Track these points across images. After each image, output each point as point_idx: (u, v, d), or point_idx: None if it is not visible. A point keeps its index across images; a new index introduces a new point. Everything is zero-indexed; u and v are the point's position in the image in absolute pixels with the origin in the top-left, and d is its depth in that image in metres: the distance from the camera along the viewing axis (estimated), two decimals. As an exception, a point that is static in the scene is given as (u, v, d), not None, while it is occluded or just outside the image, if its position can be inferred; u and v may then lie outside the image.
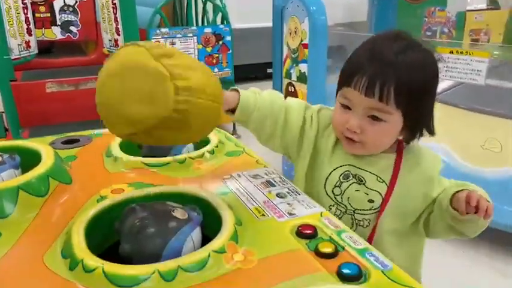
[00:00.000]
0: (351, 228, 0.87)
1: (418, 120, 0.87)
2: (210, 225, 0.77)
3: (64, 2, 3.30)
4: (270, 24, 3.64)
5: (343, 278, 0.64)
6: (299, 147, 0.98)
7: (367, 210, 0.92)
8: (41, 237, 0.76)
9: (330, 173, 0.94)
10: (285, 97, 2.57)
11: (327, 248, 0.70)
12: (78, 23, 3.56)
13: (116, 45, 2.92)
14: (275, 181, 0.96)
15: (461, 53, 1.66)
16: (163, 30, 2.94)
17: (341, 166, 0.93)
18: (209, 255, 0.67)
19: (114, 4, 2.72)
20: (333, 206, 0.94)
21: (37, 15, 3.15)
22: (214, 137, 1.16)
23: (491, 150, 2.14)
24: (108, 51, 3.16)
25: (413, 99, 0.83)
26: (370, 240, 0.91)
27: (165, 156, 1.04)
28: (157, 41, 2.94)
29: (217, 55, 3.06)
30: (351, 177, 0.92)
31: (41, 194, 0.86)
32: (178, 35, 2.95)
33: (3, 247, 0.73)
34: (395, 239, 0.93)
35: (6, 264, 0.69)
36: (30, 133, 2.59)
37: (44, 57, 3.62)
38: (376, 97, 0.81)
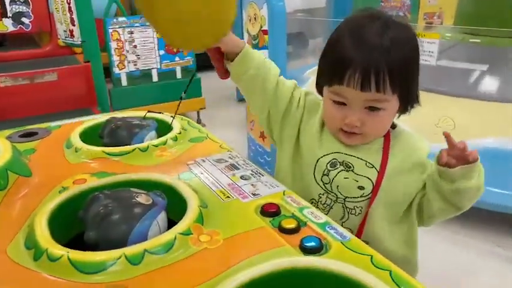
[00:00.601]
0: (342, 218, 0.90)
1: (410, 97, 0.85)
2: (176, 210, 0.78)
3: (14, -8, 3.16)
4: (229, 11, 3.63)
5: (306, 250, 0.67)
6: (282, 126, 0.96)
7: (358, 197, 0.89)
8: (3, 230, 0.74)
9: (318, 161, 0.90)
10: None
11: (290, 224, 0.73)
12: (30, 14, 3.42)
13: (72, 36, 2.83)
14: (239, 164, 0.97)
15: (414, 34, 1.73)
16: (121, 19, 2.88)
17: (328, 154, 0.90)
18: (175, 238, 0.68)
19: (68, -7, 2.63)
20: (323, 194, 0.91)
21: (-15, 6, 3.01)
22: (177, 124, 1.16)
23: (445, 128, 2.24)
24: (64, 42, 3.06)
25: (406, 79, 0.82)
26: (361, 228, 0.88)
27: (127, 145, 1.04)
28: (115, 31, 2.87)
29: (177, 44, 3.03)
30: (338, 164, 0.89)
31: (0, 187, 0.84)
32: (137, 24, 2.89)
33: (-37, 242, 0.71)
34: (388, 226, 0.90)
35: (-33, 259, 0.68)
36: (-16, 130, 2.49)
37: (-5, 50, 3.47)
38: (373, 90, 0.79)
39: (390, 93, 0.81)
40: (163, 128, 1.15)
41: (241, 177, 0.91)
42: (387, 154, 0.88)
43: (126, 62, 2.94)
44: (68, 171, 0.94)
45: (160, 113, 1.24)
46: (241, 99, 2.96)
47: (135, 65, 2.97)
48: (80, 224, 0.74)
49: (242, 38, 2.46)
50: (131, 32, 2.90)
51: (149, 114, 1.22)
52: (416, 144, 0.91)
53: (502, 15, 2.77)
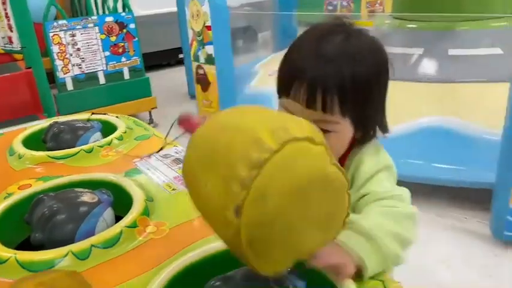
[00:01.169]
0: None
1: (369, 122, 0.74)
2: (123, 207, 0.80)
3: None
4: (174, 9, 3.62)
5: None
6: None
7: None
8: None
9: None
10: (196, 81, 2.57)
11: (233, 209, 0.77)
12: (-37, 21, 3.26)
13: (11, 42, 2.74)
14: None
15: (350, 23, 1.81)
16: (61, 22, 2.80)
17: None
18: (121, 231, 0.71)
19: (2, -2, 2.54)
20: None
21: None
22: (121, 123, 1.18)
23: (387, 110, 2.36)
24: (3, 50, 2.95)
25: (361, 101, 0.70)
26: None
27: (72, 148, 1.05)
28: (56, 35, 2.80)
29: (122, 44, 2.99)
30: None
31: None
32: (78, 26, 2.83)
33: None
34: None
35: None
36: None
37: None
38: (319, 108, 0.68)
39: (339, 115, 0.69)
40: (108, 129, 1.16)
41: (187, 170, 0.94)
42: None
43: (70, 66, 2.88)
44: (13, 178, 0.94)
45: (104, 114, 1.24)
46: (193, 96, 2.97)
47: (80, 68, 2.91)
48: (28, 228, 0.75)
49: (187, 36, 2.48)
50: (73, 35, 2.83)
51: (94, 116, 1.22)
52: (365, 159, 0.75)
53: (436, 1, 2.93)
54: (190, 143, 0.54)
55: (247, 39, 5.31)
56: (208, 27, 2.16)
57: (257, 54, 4.72)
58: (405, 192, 0.72)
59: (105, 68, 3.00)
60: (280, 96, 0.75)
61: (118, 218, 0.78)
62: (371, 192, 0.71)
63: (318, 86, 0.67)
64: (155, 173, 0.94)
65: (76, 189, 0.79)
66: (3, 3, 2.64)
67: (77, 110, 2.67)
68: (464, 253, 1.69)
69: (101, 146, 1.06)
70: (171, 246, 0.69)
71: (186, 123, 0.81)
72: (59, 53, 2.83)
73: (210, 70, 2.27)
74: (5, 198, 0.85)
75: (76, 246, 0.67)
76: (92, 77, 2.97)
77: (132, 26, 3.02)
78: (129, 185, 0.84)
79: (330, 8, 5.44)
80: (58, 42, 2.82)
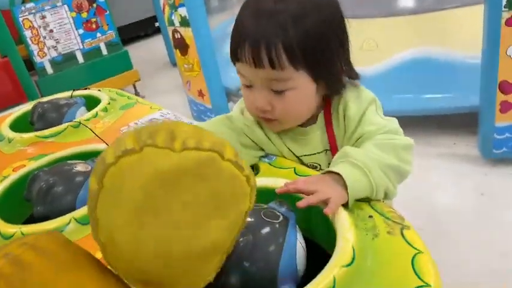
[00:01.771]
0: None
1: (331, 71, 0.70)
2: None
3: None
4: (141, -24, 3.51)
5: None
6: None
7: None
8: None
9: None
10: (174, 46, 2.54)
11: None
12: None
13: (-20, 33, 2.67)
14: (170, 120, 1.03)
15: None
16: (29, 5, 2.72)
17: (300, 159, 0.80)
18: (118, 193, 0.74)
19: (-37, -12, 2.46)
20: None
21: None
22: (104, 96, 1.19)
23: (369, 49, 2.36)
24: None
25: (314, 51, 0.67)
26: None
27: (59, 125, 1.06)
28: (26, 19, 2.73)
29: (94, 19, 2.92)
30: (311, 168, 0.79)
31: None
32: (47, 7, 2.75)
33: None
34: None
35: None
36: None
37: None
38: (267, 66, 0.66)
39: (292, 70, 0.66)
40: (92, 103, 1.17)
41: (174, 130, 0.97)
42: (332, 129, 0.77)
43: (46, 49, 2.82)
44: (6, 162, 0.96)
45: (86, 88, 1.25)
46: (175, 64, 2.94)
47: (56, 50, 2.85)
48: (29, 206, 0.78)
49: (159, 2, 2.42)
50: (43, 17, 2.76)
51: (76, 92, 1.23)
52: (349, 103, 0.74)
53: None
54: None
55: (221, -2, 5.19)
56: (179, -11, 2.12)
57: (232, 12, 4.63)
58: (395, 122, 0.74)
59: (81, 47, 2.95)
60: (234, 63, 0.72)
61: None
62: (365, 132, 0.72)
63: (260, 42, 0.65)
64: (144, 137, 0.96)
65: (68, 161, 0.81)
66: (-35, -7, 2.56)
67: (60, 92, 2.65)
68: (456, 176, 1.74)
69: (87, 120, 1.07)
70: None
71: None
72: (32, 37, 2.78)
73: (187, 33, 2.24)
74: (1, 181, 0.87)
75: (78, 213, 0.70)
76: (70, 57, 2.93)
77: (101, -1, 2.95)
78: (120, 151, 0.87)
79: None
80: (29, 27, 2.76)
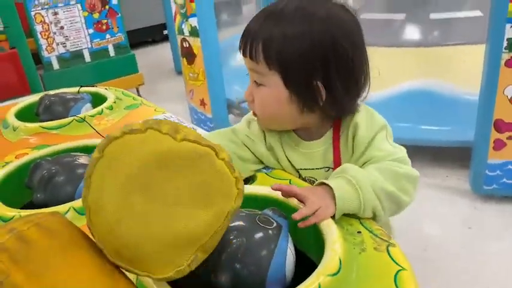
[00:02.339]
0: None
1: (307, 86, 0.71)
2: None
3: None
4: (156, -17, 3.58)
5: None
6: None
7: None
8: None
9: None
10: (181, 54, 2.57)
11: (221, 165, 0.82)
12: None
13: (-8, 23, 2.71)
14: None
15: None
16: (42, 0, 2.77)
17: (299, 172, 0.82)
18: (118, 188, 0.76)
19: (-20, -23, 2.51)
20: None
21: None
22: (111, 94, 1.21)
23: (372, 77, 2.41)
24: (-15, 32, 2.92)
25: (289, 58, 0.69)
26: None
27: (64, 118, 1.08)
28: (38, 14, 2.77)
29: (106, 21, 2.97)
30: (308, 182, 0.81)
31: None
32: (60, 4, 2.80)
33: None
34: None
35: None
36: None
37: None
38: (248, 55, 0.72)
39: (265, 66, 0.70)
40: (98, 100, 1.20)
41: (176, 134, 0.99)
42: (338, 149, 0.77)
43: (54, 45, 2.86)
44: (9, 149, 0.97)
45: (94, 86, 1.27)
46: (180, 72, 2.97)
47: (65, 46, 2.89)
48: (29, 193, 0.79)
49: (171, 11, 2.47)
50: (55, 13, 2.81)
51: (83, 89, 1.26)
52: (359, 126, 0.74)
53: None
54: None
55: (231, 12, 5.27)
56: None
57: (242, 27, 4.70)
58: (404, 151, 0.74)
59: (89, 46, 2.99)
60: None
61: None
62: (372, 157, 0.72)
63: (249, 36, 0.71)
64: (146, 138, 0.99)
65: (71, 153, 0.83)
66: (-18, -17, 2.60)
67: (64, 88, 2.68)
68: (446, 208, 1.77)
69: (92, 116, 1.09)
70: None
71: None
72: (42, 32, 2.81)
73: (195, 42, 2.28)
74: (3, 166, 0.89)
75: (77, 203, 0.72)
76: (77, 55, 2.96)
77: (114, 1, 3.00)
78: (122, 148, 0.89)
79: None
80: (41, 21, 2.80)
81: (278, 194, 0.68)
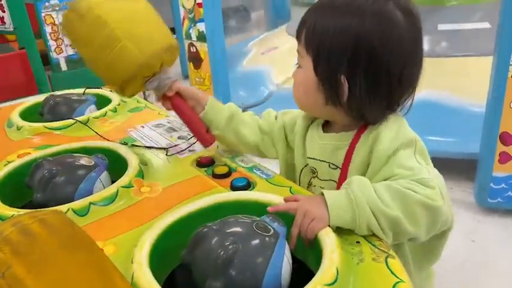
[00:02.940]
0: None
1: (330, 78, 0.69)
2: (119, 171, 0.85)
3: None
4: (165, -12, 3.60)
5: (235, 189, 0.76)
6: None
7: None
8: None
9: (300, 172, 0.83)
10: (188, 59, 2.58)
11: (222, 171, 0.82)
12: (-46, 3, 3.25)
13: (3, 23, 2.74)
14: (176, 127, 1.05)
15: None
16: (53, 2, 2.80)
17: (305, 165, 0.82)
18: (117, 191, 0.76)
19: (-7, -22, 2.54)
20: None
21: None
22: (115, 97, 1.22)
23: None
24: (-5, 30, 2.95)
25: (322, 46, 0.69)
26: None
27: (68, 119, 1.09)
28: (48, 15, 2.80)
29: (115, 24, 3.00)
30: (310, 172, 0.81)
31: None
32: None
33: None
34: None
35: None
36: None
37: None
38: (296, 36, 0.74)
39: (304, 48, 0.72)
40: (102, 103, 1.20)
41: (179, 138, 0.99)
42: (352, 151, 0.73)
43: (63, 46, 2.89)
44: (12, 148, 0.98)
45: (99, 88, 1.28)
46: (187, 76, 2.99)
47: (73, 48, 2.92)
48: (29, 193, 0.79)
49: (179, 15, 2.48)
50: (65, 15, 2.84)
51: (89, 90, 1.26)
52: (385, 139, 0.69)
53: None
54: None
55: (240, 19, 5.30)
56: (200, 4, 2.18)
57: (250, 34, 4.72)
58: (438, 178, 0.66)
59: (98, 48, 3.01)
60: None
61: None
62: (393, 175, 0.64)
63: (302, 20, 0.73)
64: (148, 140, 0.99)
65: (73, 154, 0.84)
66: (-6, -17, 2.63)
67: (70, 89, 2.69)
68: (450, 220, 1.76)
69: (96, 117, 1.10)
70: (163, 203, 0.74)
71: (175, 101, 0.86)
72: (51, 33, 2.84)
73: (202, 47, 2.29)
74: (5, 165, 0.89)
75: (75, 204, 0.72)
76: (85, 57, 2.98)
77: (124, 5, 3.02)
78: (124, 151, 0.89)
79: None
80: (51, 23, 2.82)
81: (277, 202, 0.67)
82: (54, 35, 2.86)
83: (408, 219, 0.60)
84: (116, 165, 0.86)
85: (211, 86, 2.36)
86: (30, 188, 0.79)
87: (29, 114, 1.14)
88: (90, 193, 0.78)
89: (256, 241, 0.55)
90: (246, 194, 0.72)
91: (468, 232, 1.67)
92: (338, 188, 0.72)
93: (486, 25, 2.61)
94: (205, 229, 0.57)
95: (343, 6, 0.68)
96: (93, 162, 0.81)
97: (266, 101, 2.60)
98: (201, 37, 2.26)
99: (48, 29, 2.82)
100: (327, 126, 0.79)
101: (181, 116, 0.87)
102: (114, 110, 1.14)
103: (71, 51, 2.93)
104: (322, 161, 0.77)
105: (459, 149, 2.02)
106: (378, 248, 0.60)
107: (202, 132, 0.86)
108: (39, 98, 1.22)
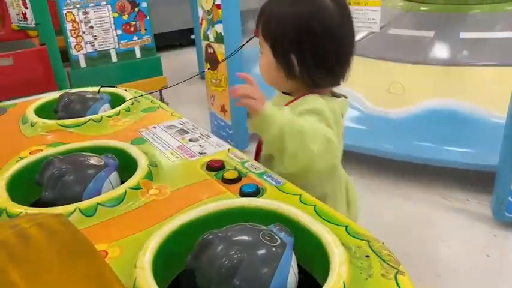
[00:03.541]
0: None
1: (285, 58, 0.88)
2: (129, 172, 0.84)
3: (-40, -25, 3.06)
4: (186, -12, 3.62)
5: (244, 195, 0.75)
6: None
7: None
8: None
9: None
10: (205, 60, 2.58)
11: (232, 175, 0.81)
12: (-21, -2, 3.32)
13: (25, 18, 2.79)
14: (188, 129, 1.04)
15: (358, 3, 1.81)
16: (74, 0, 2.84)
17: None
18: (125, 192, 0.75)
19: (17, -25, 2.58)
20: None
21: None
22: (130, 96, 1.22)
23: (396, 93, 2.37)
24: (17, 26, 3.01)
25: (274, 35, 0.89)
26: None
27: (82, 117, 1.09)
28: (69, 12, 2.84)
29: (134, 23, 3.02)
30: None
31: (-42, 161, 0.89)
32: (91, 4, 2.86)
33: None
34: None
35: None
36: None
37: None
38: (255, 27, 0.93)
39: (263, 39, 0.91)
40: (117, 101, 1.20)
41: (190, 140, 0.98)
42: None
43: (83, 43, 2.92)
44: (25, 144, 0.98)
45: (114, 86, 1.28)
46: (204, 77, 2.99)
47: (93, 45, 2.95)
48: (39, 190, 0.80)
49: (197, 13, 2.49)
50: (86, 13, 2.87)
51: (103, 89, 1.26)
52: (301, 103, 0.89)
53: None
54: None
55: (259, 21, 5.30)
56: (218, 6, 2.18)
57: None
58: (328, 132, 0.83)
59: (117, 46, 3.04)
60: None
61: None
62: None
63: (258, 18, 0.92)
64: (159, 142, 0.98)
65: (84, 153, 0.83)
66: (18, -20, 2.68)
67: (89, 86, 2.72)
68: (465, 233, 1.71)
69: (109, 116, 1.10)
70: (172, 207, 0.73)
71: None
72: (72, 30, 2.88)
73: (219, 49, 2.29)
74: (17, 161, 0.90)
75: (83, 204, 0.71)
76: (104, 54, 3.02)
77: (144, 4, 3.05)
78: (134, 151, 0.89)
79: (344, -10, 5.37)
80: (71, 20, 2.86)
81: (286, 210, 0.66)
82: (75, 32, 2.90)
83: (308, 137, 0.78)
84: (125, 165, 0.85)
85: (227, 88, 2.36)
86: (40, 185, 0.79)
87: (44, 111, 1.15)
88: (99, 193, 0.77)
89: (262, 251, 0.54)
90: (254, 201, 0.71)
91: (483, 246, 1.63)
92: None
93: (509, 35, 2.55)
94: (211, 236, 0.56)
95: (289, 1, 0.89)
96: (102, 162, 0.81)
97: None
98: (219, 38, 2.26)
99: (68, 26, 2.86)
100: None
101: None
102: (128, 110, 1.14)
103: (90, 49, 2.97)
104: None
105: (477, 160, 1.98)
106: (388, 264, 0.58)
107: None
108: (55, 95, 1.23)
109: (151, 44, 3.16)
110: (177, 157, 0.91)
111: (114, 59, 3.06)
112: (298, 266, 0.58)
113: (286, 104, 0.92)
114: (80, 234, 0.45)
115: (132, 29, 3.04)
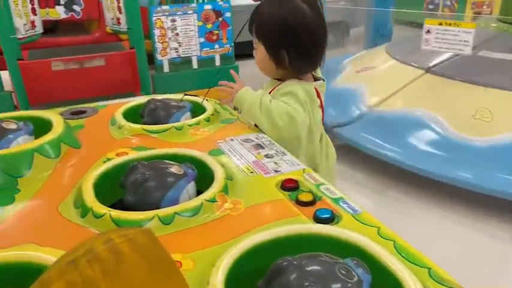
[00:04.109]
0: None
1: (276, 54, 1.13)
2: (205, 183, 0.86)
3: (66, -19, 3.36)
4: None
5: (319, 220, 0.73)
6: None
7: None
8: (55, 192, 0.86)
9: None
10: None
11: (306, 198, 0.79)
12: (81, 1, 3.61)
13: (118, 23, 2.99)
14: (264, 144, 1.05)
15: (450, 24, 1.71)
16: (164, 7, 2.99)
17: None
18: (202, 204, 0.77)
19: (115, -17, 2.77)
20: None
21: (40, -5, 3.21)
22: (210, 106, 1.25)
23: (482, 119, 2.21)
24: (111, 29, 3.23)
25: (266, 35, 1.14)
26: None
27: (165, 124, 1.13)
28: (159, 19, 3.00)
29: (217, 31, 3.12)
30: None
31: (54, 156, 0.96)
32: (179, 12, 3.00)
33: (22, 200, 0.83)
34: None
35: (26, 214, 0.80)
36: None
37: (49, 36, 3.70)
38: (249, 28, 1.19)
39: (256, 38, 1.16)
40: (197, 110, 1.24)
41: (266, 156, 0.98)
42: (271, 92, 1.20)
43: (168, 49, 3.07)
44: (112, 145, 1.04)
45: (195, 96, 1.32)
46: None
47: (177, 52, 3.09)
48: (121, 190, 0.84)
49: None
50: (174, 20, 3.01)
51: (185, 97, 1.31)
52: (282, 87, 1.17)
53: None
54: None
55: (339, 34, 5.24)
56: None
57: (347, 50, 4.64)
58: (299, 113, 1.09)
59: (198, 54, 3.15)
60: None
61: (199, 193, 0.84)
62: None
63: (250, 20, 1.18)
64: (236, 155, 0.99)
65: (166, 161, 0.87)
66: (116, -13, 2.87)
67: (170, 90, 2.84)
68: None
69: (190, 125, 1.13)
70: (245, 224, 0.74)
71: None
72: (159, 36, 3.03)
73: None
74: (104, 162, 0.95)
75: (162, 212, 0.74)
76: (187, 61, 3.14)
77: (227, 14, 3.14)
78: (212, 162, 0.90)
79: (431, 6, 5.15)
80: (160, 26, 3.02)
81: (363, 243, 0.63)
82: (161, 38, 3.05)
83: (275, 113, 1.09)
84: (203, 175, 0.87)
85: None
86: (124, 187, 0.83)
87: (130, 115, 1.21)
88: (176, 201, 0.80)
89: (338, 286, 0.52)
90: (330, 229, 0.69)
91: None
92: None
93: None
94: (285, 262, 0.55)
95: (272, 6, 1.13)
96: (182, 171, 0.83)
97: (355, 122, 2.52)
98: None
99: (157, 32, 3.02)
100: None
101: None
102: (208, 120, 1.17)
103: (174, 55, 3.11)
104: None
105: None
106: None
107: None
108: (142, 99, 1.30)
109: (230, 53, 3.24)
110: (251, 172, 0.91)
111: (195, 65, 3.17)
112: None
113: (273, 89, 1.19)
114: (165, 252, 0.46)
115: (215, 37, 3.14)
